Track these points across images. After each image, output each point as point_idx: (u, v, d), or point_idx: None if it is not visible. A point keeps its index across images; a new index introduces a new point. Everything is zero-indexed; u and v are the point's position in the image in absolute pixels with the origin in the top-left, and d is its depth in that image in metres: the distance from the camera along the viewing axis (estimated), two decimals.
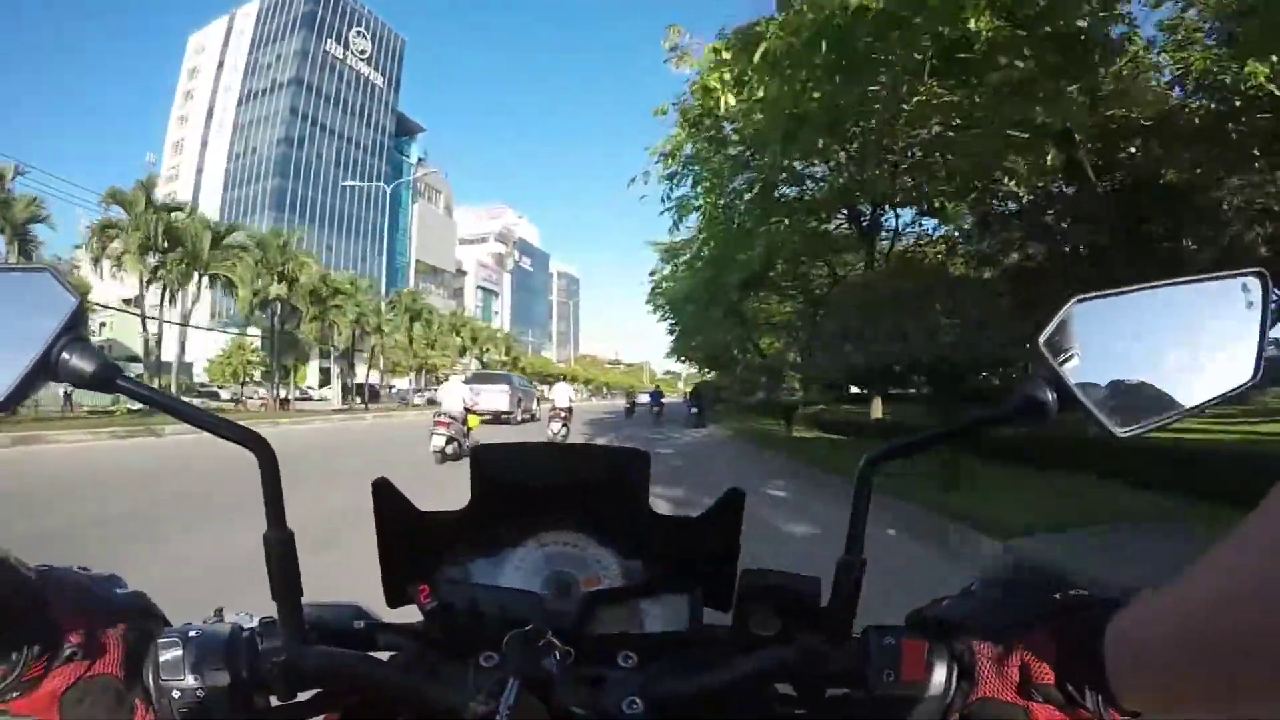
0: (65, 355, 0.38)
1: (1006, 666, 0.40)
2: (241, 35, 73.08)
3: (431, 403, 32.67)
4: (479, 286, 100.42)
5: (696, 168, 13.93)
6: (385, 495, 0.51)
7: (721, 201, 15.20)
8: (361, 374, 36.88)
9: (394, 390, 40.45)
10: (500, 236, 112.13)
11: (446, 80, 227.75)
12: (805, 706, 0.48)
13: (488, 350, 49.63)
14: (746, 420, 24.49)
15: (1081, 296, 0.41)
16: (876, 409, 17.40)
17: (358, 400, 34.83)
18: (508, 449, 0.55)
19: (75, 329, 0.38)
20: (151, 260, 19.74)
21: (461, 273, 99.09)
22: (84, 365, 0.38)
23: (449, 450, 9.10)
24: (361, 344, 34.99)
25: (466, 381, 12.04)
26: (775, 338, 30.91)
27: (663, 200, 14.89)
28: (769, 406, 21.05)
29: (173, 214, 20.24)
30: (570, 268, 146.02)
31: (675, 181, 14.41)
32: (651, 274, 26.28)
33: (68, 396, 18.10)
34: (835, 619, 0.45)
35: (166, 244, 19.62)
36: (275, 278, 24.27)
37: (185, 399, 0.45)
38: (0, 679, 0.37)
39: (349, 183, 58.14)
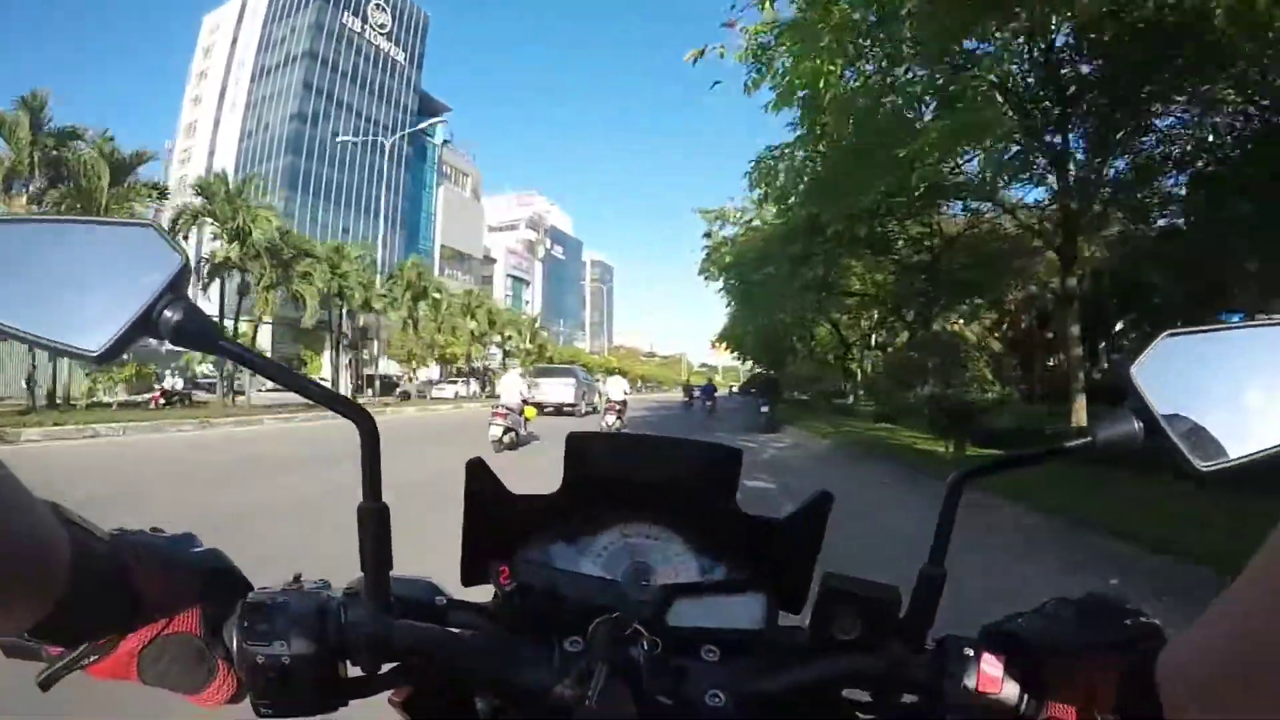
0: (168, 312, 0.38)
1: (1073, 688, 0.41)
2: (256, 10, 69.23)
3: (443, 398, 30.83)
4: (509, 275, 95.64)
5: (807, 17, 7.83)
6: (478, 475, 0.51)
7: (864, 75, 8.94)
8: (385, 365, 31.90)
9: (417, 383, 35.56)
10: (531, 223, 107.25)
11: (475, 59, 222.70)
12: (878, 712, 0.48)
13: (510, 337, 43.98)
14: (839, 424, 18.31)
15: (1174, 331, 0.43)
16: (1079, 412, 10.96)
17: (369, 393, 29.68)
18: (601, 438, 0.55)
19: (178, 286, 0.38)
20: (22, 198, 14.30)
21: (490, 260, 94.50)
22: (186, 323, 0.38)
23: (505, 440, 9.63)
24: (367, 327, 29.84)
25: (534, 374, 13.83)
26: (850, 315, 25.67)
27: (746, 87, 9.08)
28: (841, 406, 17.06)
29: (71, 142, 14.89)
30: (603, 256, 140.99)
31: (765, 56, 8.54)
32: (706, 235, 20.85)
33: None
34: (913, 627, 0.46)
35: (51, 177, 14.28)
36: (226, 235, 18.86)
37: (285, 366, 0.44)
38: (76, 641, 0.38)
39: (344, 138, 52.96)
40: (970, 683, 0.43)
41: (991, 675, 0.42)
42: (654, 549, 0.55)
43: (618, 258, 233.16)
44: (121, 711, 1.34)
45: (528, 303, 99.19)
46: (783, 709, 0.45)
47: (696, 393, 28.02)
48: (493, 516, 0.53)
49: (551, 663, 0.44)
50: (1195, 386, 0.41)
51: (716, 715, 0.43)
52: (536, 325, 54.92)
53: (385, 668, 0.46)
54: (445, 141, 79.45)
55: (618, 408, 13.10)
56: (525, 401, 10.64)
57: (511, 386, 10.51)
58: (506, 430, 9.64)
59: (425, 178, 77.40)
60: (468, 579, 0.54)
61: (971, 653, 0.43)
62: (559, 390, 19.92)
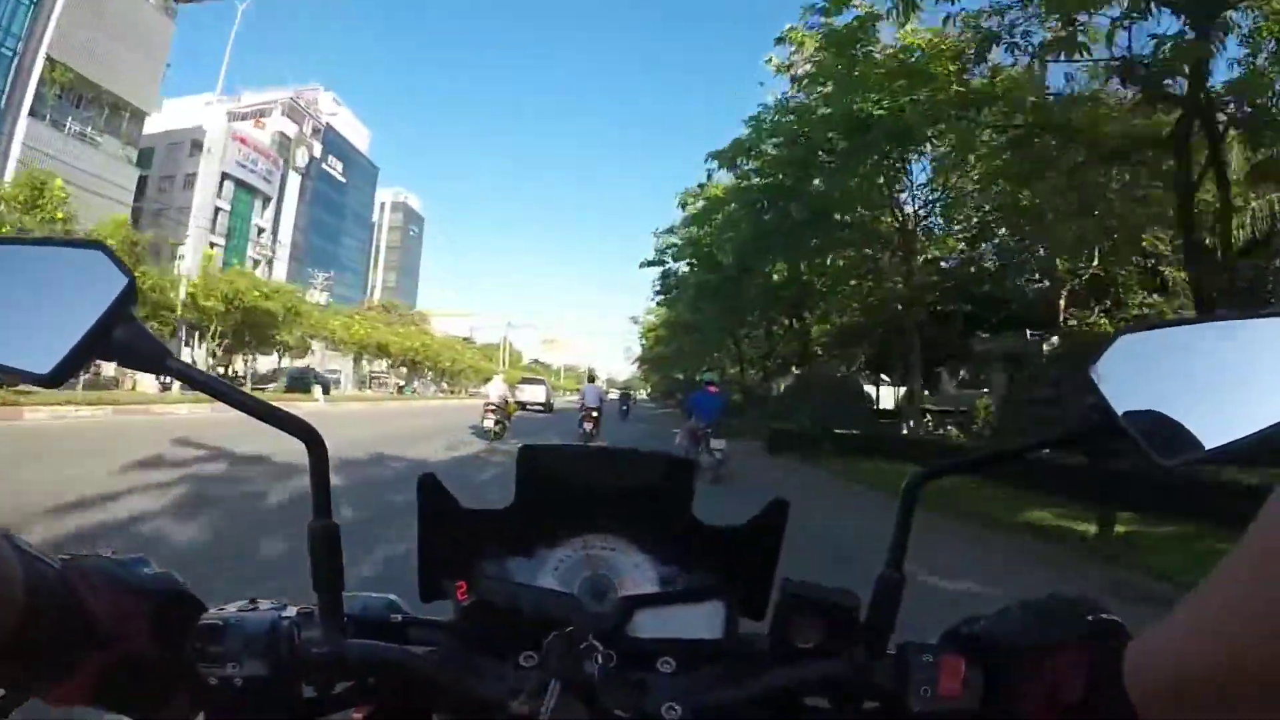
0: (116, 333, 0.38)
1: (1038, 686, 0.41)
2: None
3: None
4: (230, 177, 57.04)
5: None
6: (430, 491, 0.52)
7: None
8: None
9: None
10: (293, 112, 68.75)
11: None
12: (840, 719, 0.48)
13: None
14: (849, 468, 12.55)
15: (1131, 328, 0.44)
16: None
17: None
18: (553, 451, 0.55)
19: (126, 307, 0.38)
20: None
21: (196, 146, 55.57)
22: (135, 344, 0.38)
23: (496, 429, 13.04)
24: None
25: (519, 382, 21.36)
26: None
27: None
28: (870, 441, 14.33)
29: None
30: (411, 200, 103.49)
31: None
32: (701, 188, 19.00)
33: None
34: (873, 633, 0.46)
35: None
36: None
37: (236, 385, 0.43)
38: (31, 670, 0.37)
39: None
40: (931, 688, 0.43)
41: (952, 679, 0.43)
42: (612, 561, 0.54)
43: (433, 206, 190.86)
44: None
45: (262, 231, 61.10)
46: (743, 717, 0.45)
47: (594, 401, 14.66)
48: (447, 532, 0.52)
49: (507, 679, 0.44)
50: (1154, 383, 0.41)
51: None
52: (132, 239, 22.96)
53: (341, 687, 0.46)
54: None
55: (494, 411, 13.46)
56: (508, 400, 14.34)
57: (497, 388, 13.89)
58: (497, 421, 13.02)
59: None
60: (426, 595, 0.54)
61: (932, 658, 0.44)
62: (535, 393, 27.72)
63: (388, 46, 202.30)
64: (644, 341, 50.32)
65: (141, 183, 57.82)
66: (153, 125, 48.87)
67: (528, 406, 23.14)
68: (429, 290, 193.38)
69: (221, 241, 54.66)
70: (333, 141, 75.80)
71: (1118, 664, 0.35)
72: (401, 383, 43.38)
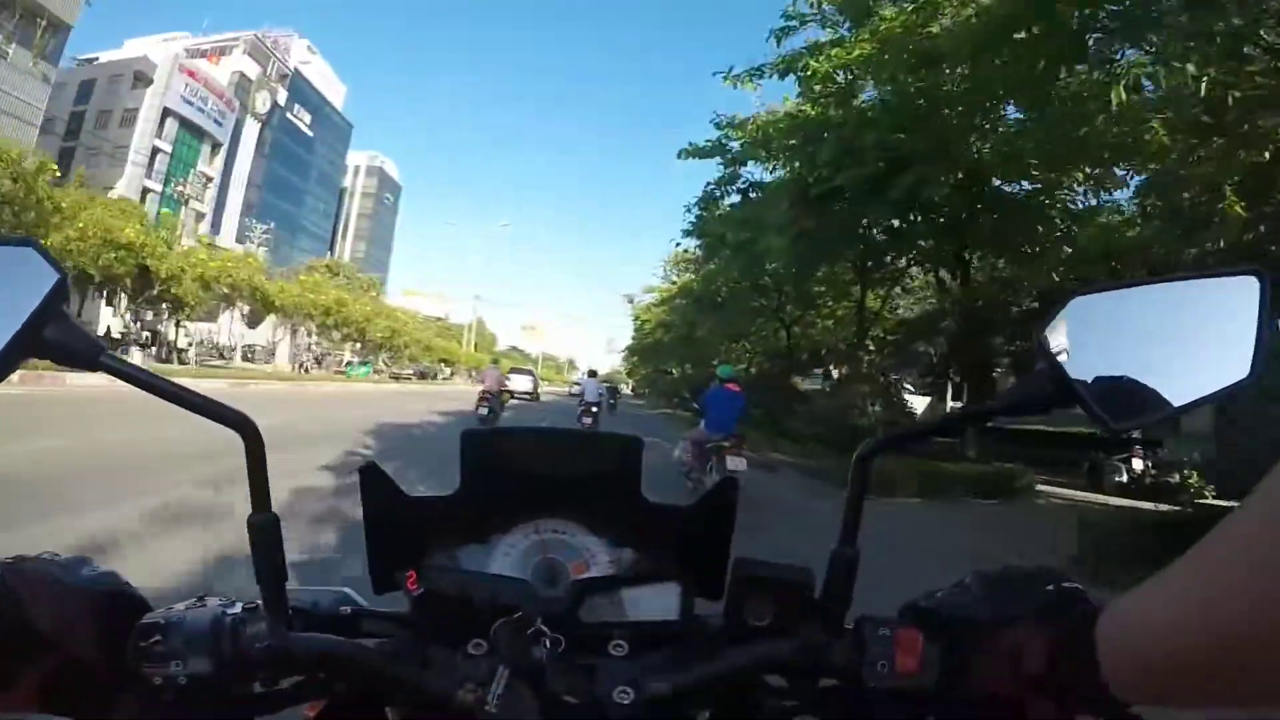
0: (48, 331, 0.37)
1: (999, 657, 0.40)
2: None
3: None
4: (173, 114, 49.81)
5: None
6: (372, 480, 0.51)
7: None
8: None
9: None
10: (255, 52, 61.41)
11: None
12: (797, 698, 0.48)
13: None
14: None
15: (1081, 290, 0.43)
16: None
17: None
18: (497, 434, 0.56)
19: (57, 304, 0.38)
20: None
21: (139, 79, 48.42)
22: (68, 341, 0.38)
23: (488, 416, 12.50)
24: None
25: (508, 371, 20.72)
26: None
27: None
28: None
29: None
30: (388, 165, 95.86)
31: None
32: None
33: None
34: (828, 610, 0.45)
35: None
36: None
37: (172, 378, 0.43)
38: None
39: None
40: (888, 663, 0.42)
41: (909, 654, 0.42)
42: (562, 544, 0.54)
43: (418, 184, 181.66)
44: None
45: (208, 180, 53.93)
46: (697, 700, 0.45)
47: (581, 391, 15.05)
48: (393, 522, 0.52)
49: (455, 668, 0.44)
50: (1105, 345, 0.41)
51: (624, 713, 0.42)
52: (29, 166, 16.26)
53: (289, 682, 0.45)
54: None
55: (488, 399, 13.13)
56: (503, 389, 14.67)
57: (492, 377, 13.59)
58: (490, 410, 12.67)
59: None
60: (378, 587, 0.53)
61: (888, 632, 0.43)
62: (524, 383, 28.55)
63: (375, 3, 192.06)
64: (638, 323, 44.47)
65: (77, 119, 51.16)
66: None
67: (516, 395, 23.84)
68: (403, 266, 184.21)
69: (158, 187, 47.54)
70: (301, 90, 68.36)
71: (1088, 634, 0.34)
72: (352, 359, 36.27)
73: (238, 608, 0.44)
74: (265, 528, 0.43)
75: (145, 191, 46.21)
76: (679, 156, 13.22)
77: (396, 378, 36.94)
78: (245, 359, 28.91)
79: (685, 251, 22.72)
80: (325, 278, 39.50)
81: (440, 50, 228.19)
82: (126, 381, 0.41)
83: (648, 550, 0.54)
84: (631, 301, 45.86)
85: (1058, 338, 0.42)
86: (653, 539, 0.54)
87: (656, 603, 0.52)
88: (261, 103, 60.91)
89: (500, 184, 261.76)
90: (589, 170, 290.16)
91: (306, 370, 33.19)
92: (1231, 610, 0.26)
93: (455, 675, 0.43)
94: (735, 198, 14.22)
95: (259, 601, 0.44)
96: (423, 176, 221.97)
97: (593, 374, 15.26)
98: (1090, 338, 0.41)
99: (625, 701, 0.42)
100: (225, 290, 24.30)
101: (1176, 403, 0.39)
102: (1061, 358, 0.41)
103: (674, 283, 38.02)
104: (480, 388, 13.65)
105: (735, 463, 6.55)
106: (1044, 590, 0.41)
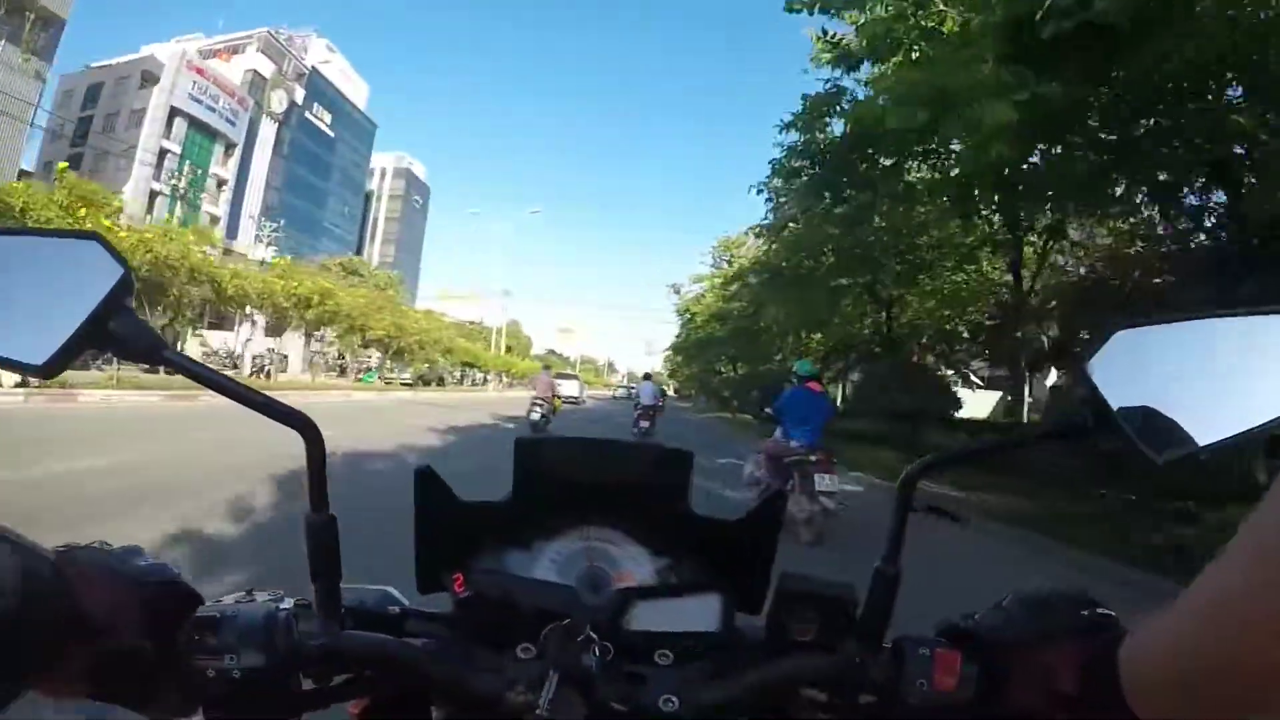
0: (112, 325, 0.38)
1: (1033, 678, 0.41)
2: None
3: None
4: (181, 113, 47.01)
5: None
6: (427, 483, 0.52)
7: None
8: None
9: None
10: (269, 49, 58.63)
11: None
12: (835, 712, 0.48)
13: None
14: None
15: (1126, 324, 0.44)
16: None
17: None
18: (551, 443, 0.56)
19: (121, 298, 0.38)
20: None
21: (149, 77, 45.78)
22: (132, 335, 0.38)
23: (541, 422, 13.05)
24: None
25: (559, 377, 19.89)
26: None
27: None
28: None
29: None
30: (416, 166, 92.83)
31: None
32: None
33: None
34: (869, 627, 0.46)
35: None
36: None
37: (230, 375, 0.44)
38: (25, 662, 0.37)
39: None
40: (927, 681, 0.43)
41: (948, 673, 0.43)
42: (609, 553, 0.55)
43: (448, 186, 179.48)
44: None
45: (223, 184, 51.08)
46: (738, 711, 0.46)
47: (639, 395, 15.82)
48: (444, 524, 0.53)
49: (504, 670, 0.44)
50: (1148, 378, 0.42)
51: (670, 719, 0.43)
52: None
53: (338, 679, 0.46)
54: None
55: (540, 405, 13.68)
56: (555, 395, 14.86)
57: (543, 383, 14.17)
58: (543, 415, 13.15)
59: None
60: (424, 587, 0.54)
61: (927, 651, 0.44)
62: (570, 388, 29.13)
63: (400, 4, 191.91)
64: (685, 317, 40.69)
65: (85, 124, 49.01)
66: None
67: (563, 399, 25.41)
68: (434, 271, 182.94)
69: (167, 190, 44.72)
70: (320, 89, 65.51)
71: (1112, 658, 0.36)
72: (365, 363, 31.68)
73: (289, 604, 0.45)
74: (323, 527, 0.44)
75: (153, 195, 43.40)
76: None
77: (404, 384, 32.36)
78: (256, 368, 25.22)
79: (752, 231, 17.49)
80: (336, 273, 35.61)
81: (464, 45, 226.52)
82: (189, 378, 0.42)
83: (691, 561, 0.54)
84: (678, 292, 41.50)
85: (1101, 369, 0.42)
86: (698, 551, 0.54)
87: (698, 613, 0.51)
88: (278, 101, 58.03)
89: (532, 180, 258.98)
90: (623, 162, 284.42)
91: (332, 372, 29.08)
92: (1233, 631, 0.27)
93: (505, 678, 0.43)
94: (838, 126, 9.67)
95: (310, 599, 0.45)
96: (452, 178, 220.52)
97: (648, 377, 15.45)
98: (1132, 370, 0.42)
99: (671, 710, 0.43)
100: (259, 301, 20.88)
101: (1216, 437, 0.39)
102: (1104, 389, 0.42)
103: (728, 264, 33.01)
104: (533, 393, 14.09)
105: (826, 481, 5.37)
106: (1078, 614, 0.42)
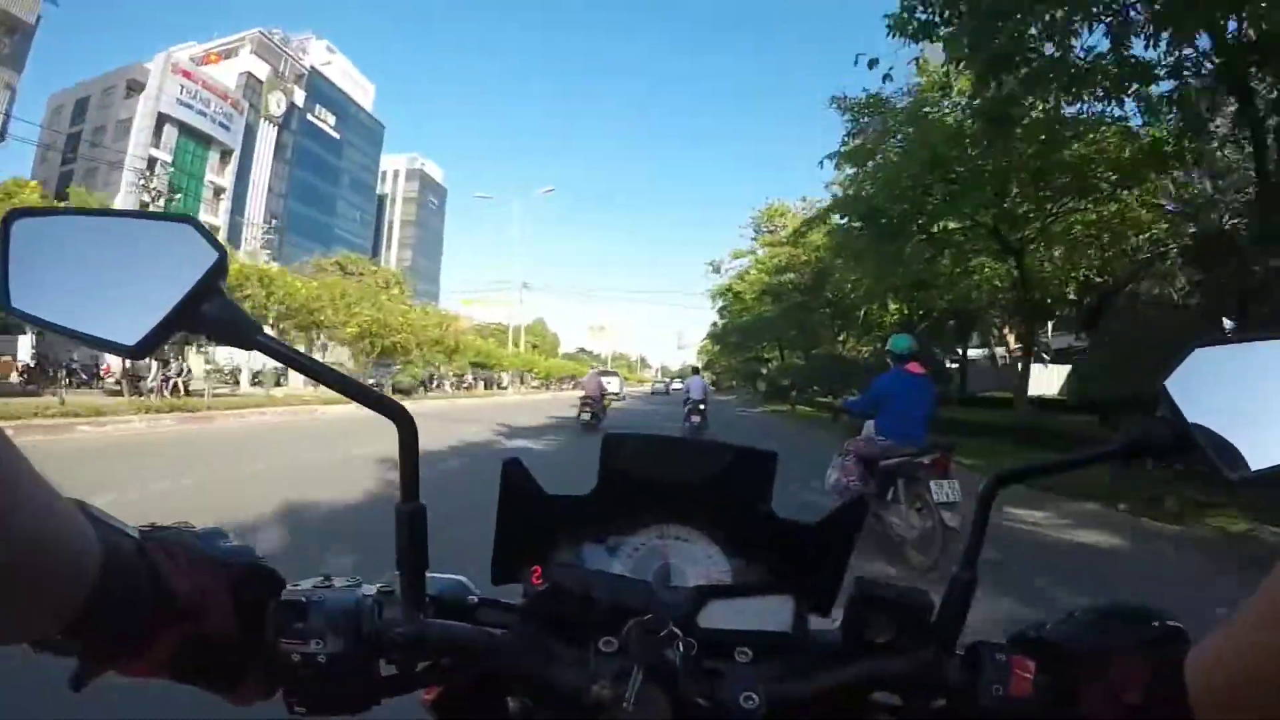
0: (205, 307, 0.38)
1: (1102, 689, 0.42)
2: None
3: None
4: (171, 119, 44.16)
5: None
6: (514, 474, 0.53)
7: None
8: None
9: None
10: (263, 50, 55.64)
11: None
12: (909, 714, 0.49)
13: None
14: None
15: (1205, 342, 0.45)
16: None
17: None
18: (637, 440, 0.56)
19: (215, 282, 0.39)
20: None
21: (133, 87, 43.13)
22: (227, 318, 0.39)
23: (590, 421, 13.98)
24: None
25: (601, 374, 18.68)
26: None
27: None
28: None
29: None
30: (430, 167, 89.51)
31: None
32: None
33: None
34: (944, 631, 0.47)
35: None
36: None
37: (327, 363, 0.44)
38: (108, 640, 0.37)
39: None
40: (1002, 688, 0.44)
41: (1023, 680, 0.44)
42: (685, 551, 0.55)
43: (465, 186, 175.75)
44: (154, 710, 1.31)
45: (222, 193, 48.27)
46: (817, 710, 0.46)
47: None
48: (527, 516, 0.53)
49: (585, 663, 0.44)
50: (1225, 397, 0.43)
51: (750, 717, 0.43)
52: None
53: (419, 666, 0.47)
54: None
55: (589, 404, 14.56)
56: (604, 393, 15.47)
57: (593, 382, 15.10)
58: (593, 415, 14.09)
59: None
60: (498, 578, 0.54)
61: (1004, 657, 0.45)
62: (612, 384, 26.87)
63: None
64: (728, 300, 36.60)
65: (74, 140, 46.77)
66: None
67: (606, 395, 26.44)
68: (455, 274, 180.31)
69: (159, 204, 41.87)
70: (322, 90, 62.47)
71: (1179, 670, 0.37)
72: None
73: (372, 590, 0.45)
74: (412, 516, 0.44)
75: (144, 206, 40.63)
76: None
77: (398, 392, 27.94)
78: (255, 383, 21.83)
79: (838, 155, 12.85)
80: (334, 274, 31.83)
81: (471, 38, 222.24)
82: (283, 362, 0.43)
83: (768, 563, 0.54)
84: (718, 270, 36.71)
85: (1179, 387, 0.44)
86: (773, 552, 0.54)
87: (770, 614, 0.52)
88: (275, 104, 55.10)
89: (551, 175, 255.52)
90: (644, 147, 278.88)
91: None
92: None
93: (587, 671, 0.43)
94: None
95: (393, 585, 0.46)
96: (469, 176, 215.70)
97: (696, 370, 16.07)
98: (1210, 389, 0.43)
99: (751, 707, 0.43)
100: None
101: None
102: (1182, 406, 0.43)
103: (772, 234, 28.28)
104: (581, 394, 14.99)
105: (945, 490, 4.09)
106: (1147, 626, 0.43)
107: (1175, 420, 0.43)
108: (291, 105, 56.93)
